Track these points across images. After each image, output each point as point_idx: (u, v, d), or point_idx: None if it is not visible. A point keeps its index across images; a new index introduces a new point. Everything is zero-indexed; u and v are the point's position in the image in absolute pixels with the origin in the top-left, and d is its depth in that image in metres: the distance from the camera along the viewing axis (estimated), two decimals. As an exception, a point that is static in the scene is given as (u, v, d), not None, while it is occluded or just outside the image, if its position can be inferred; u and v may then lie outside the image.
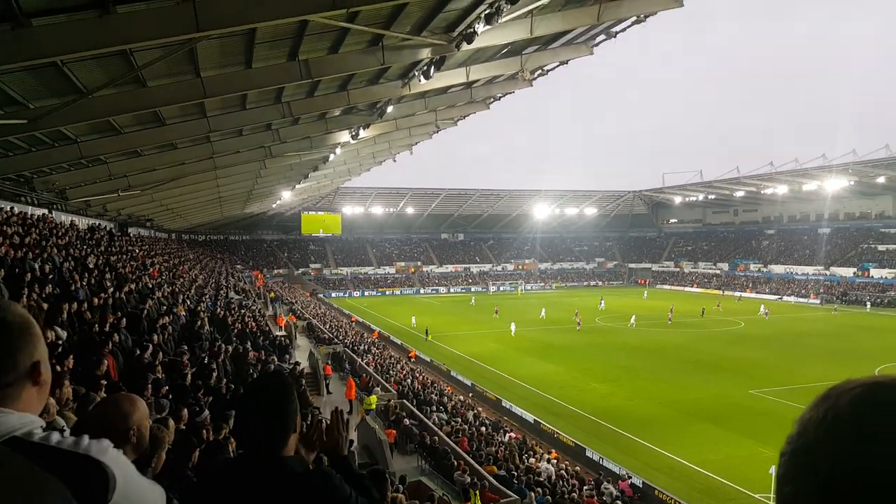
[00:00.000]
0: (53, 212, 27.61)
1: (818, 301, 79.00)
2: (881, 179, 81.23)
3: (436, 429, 23.27)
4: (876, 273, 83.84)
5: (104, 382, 7.33)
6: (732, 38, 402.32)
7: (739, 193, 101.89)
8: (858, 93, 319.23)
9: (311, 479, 2.30)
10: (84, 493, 1.45)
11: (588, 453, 24.35)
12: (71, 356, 7.73)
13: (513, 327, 54.88)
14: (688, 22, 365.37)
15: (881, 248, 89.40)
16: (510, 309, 70.09)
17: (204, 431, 6.69)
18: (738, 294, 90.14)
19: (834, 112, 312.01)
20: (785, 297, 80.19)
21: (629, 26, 21.08)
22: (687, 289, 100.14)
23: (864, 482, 0.77)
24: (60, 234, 21.67)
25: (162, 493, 1.92)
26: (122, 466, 1.62)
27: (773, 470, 20.66)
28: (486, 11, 14.98)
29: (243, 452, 2.40)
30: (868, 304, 71.08)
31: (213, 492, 2.39)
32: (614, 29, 21.69)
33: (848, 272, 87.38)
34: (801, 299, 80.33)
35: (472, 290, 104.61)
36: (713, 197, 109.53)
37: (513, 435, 26.30)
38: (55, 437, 1.54)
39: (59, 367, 6.64)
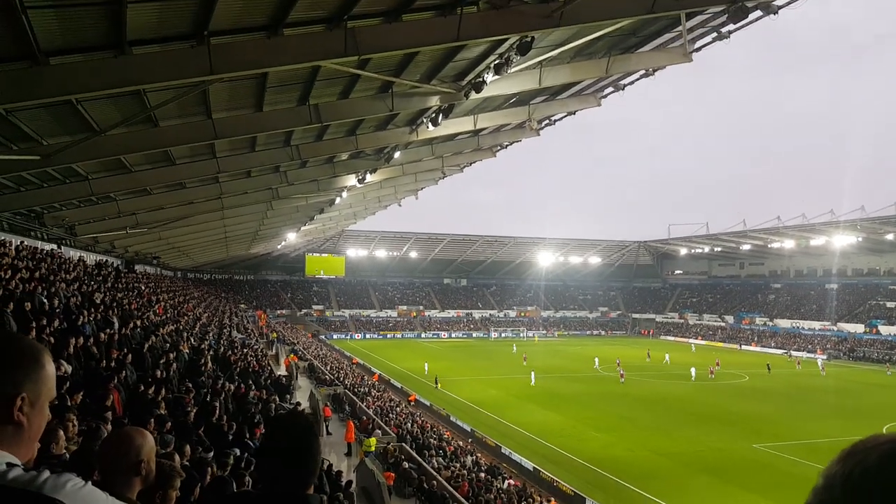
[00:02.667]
0: (62, 247, 27.83)
1: (825, 356, 78.34)
2: (889, 236, 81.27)
3: (434, 473, 23.02)
4: (884, 330, 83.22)
5: (110, 415, 7.37)
6: (740, 91, 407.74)
7: (746, 247, 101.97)
8: (867, 149, 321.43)
9: None
10: None
11: (588, 503, 23.95)
12: (80, 391, 7.77)
13: (532, 377, 53.63)
14: (696, 74, 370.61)
15: (889, 304, 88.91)
16: (531, 356, 69.01)
17: (208, 468, 6.71)
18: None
19: (841, 169, 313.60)
20: (793, 353, 79.40)
21: (638, 79, 21.41)
22: (691, 340, 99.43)
23: None
24: (69, 268, 21.83)
25: None
26: (86, 500, 1.51)
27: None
28: (496, 62, 15.29)
29: (267, 488, 2.39)
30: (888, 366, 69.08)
31: None
32: (622, 82, 22.00)
33: (856, 328, 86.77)
34: (810, 355, 79.57)
35: (474, 335, 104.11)
36: (719, 249, 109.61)
37: (512, 482, 25.94)
38: (13, 473, 1.46)
39: (68, 402, 6.69)
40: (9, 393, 1.51)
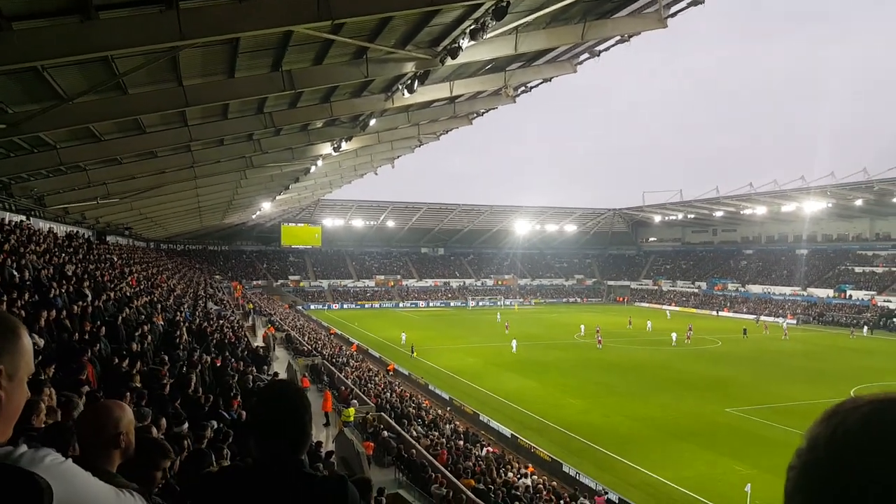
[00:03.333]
0: (31, 218, 27.28)
1: (794, 321, 79.89)
2: (858, 202, 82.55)
3: (413, 442, 23.22)
4: (853, 294, 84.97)
5: (86, 389, 7.27)
6: (713, 60, 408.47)
7: (719, 213, 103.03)
8: (837, 116, 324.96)
9: (332, 483, 2.35)
10: None
11: (565, 468, 24.36)
12: (53, 364, 7.65)
13: (514, 345, 53.82)
14: (670, 42, 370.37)
15: (858, 269, 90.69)
16: (513, 324, 69.33)
17: (185, 441, 6.66)
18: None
19: (813, 135, 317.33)
20: (762, 318, 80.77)
21: (613, 45, 21.33)
22: (665, 307, 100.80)
23: (873, 495, 0.82)
24: (39, 240, 21.42)
25: (135, 500, 1.80)
26: (65, 477, 1.45)
27: (748, 487, 20.85)
28: (471, 27, 15.11)
29: (261, 458, 2.35)
30: (866, 328, 70.38)
31: (231, 497, 2.39)
32: (598, 48, 21.91)
33: (825, 293, 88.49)
34: (778, 319, 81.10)
35: (452, 304, 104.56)
36: (693, 216, 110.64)
37: (490, 449, 26.26)
38: None
39: (42, 375, 6.58)
40: None
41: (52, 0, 10.19)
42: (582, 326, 66.82)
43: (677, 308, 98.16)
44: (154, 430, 6.36)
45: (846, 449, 0.86)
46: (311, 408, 2.44)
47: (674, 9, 18.80)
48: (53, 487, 1.38)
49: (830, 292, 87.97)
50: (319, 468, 13.15)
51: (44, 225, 28.51)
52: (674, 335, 59.40)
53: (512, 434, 28.82)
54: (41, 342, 9.53)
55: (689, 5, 18.36)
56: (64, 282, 15.19)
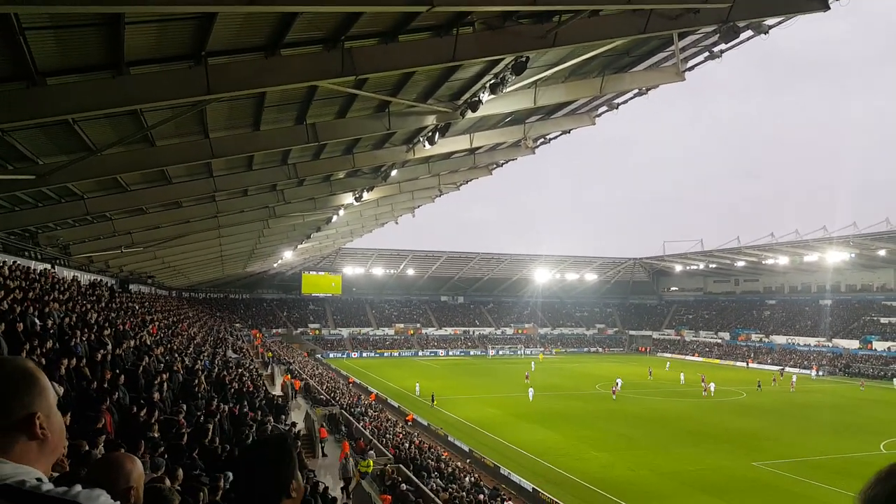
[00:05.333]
0: (56, 267, 27.70)
1: (819, 373, 78.33)
2: (882, 252, 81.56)
3: (432, 495, 22.78)
4: (879, 345, 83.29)
5: (103, 438, 7.26)
6: (735, 110, 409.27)
7: (740, 263, 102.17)
8: (859, 167, 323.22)
9: None
10: None
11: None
12: (69, 412, 7.67)
13: (531, 393, 53.62)
14: (689, 93, 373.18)
15: (884, 320, 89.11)
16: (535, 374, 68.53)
17: (200, 493, 6.59)
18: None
19: (834, 186, 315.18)
20: (788, 368, 79.23)
21: (631, 98, 21.56)
22: (688, 357, 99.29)
23: None
24: (62, 289, 21.70)
25: None
26: None
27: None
28: (492, 81, 15.37)
29: None
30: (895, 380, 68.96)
31: None
32: (616, 101, 22.17)
33: (851, 344, 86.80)
34: (805, 371, 79.53)
35: (471, 353, 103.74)
36: (714, 266, 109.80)
37: (511, 503, 25.71)
38: (45, 486, 1.56)
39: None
40: (25, 414, 1.61)
41: (85, 56, 10.52)
42: (618, 380, 60.14)
43: (701, 359, 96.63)
44: (167, 480, 6.33)
45: None
46: (294, 460, 2.43)
47: (691, 63, 19.03)
48: None
49: (856, 343, 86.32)
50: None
51: (68, 273, 28.93)
52: (712, 385, 59.04)
53: (533, 488, 28.21)
54: (61, 390, 9.56)
55: (706, 59, 18.56)
56: (85, 330, 15.31)
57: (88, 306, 20.76)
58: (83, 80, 10.98)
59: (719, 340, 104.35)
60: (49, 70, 10.45)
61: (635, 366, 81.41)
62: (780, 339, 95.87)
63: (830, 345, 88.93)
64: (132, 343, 17.48)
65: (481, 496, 25.09)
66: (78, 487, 1.59)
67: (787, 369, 78.41)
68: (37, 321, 13.46)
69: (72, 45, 10.07)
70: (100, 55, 10.51)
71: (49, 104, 10.80)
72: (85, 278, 30.61)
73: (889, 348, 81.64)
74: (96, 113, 12.05)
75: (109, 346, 14.90)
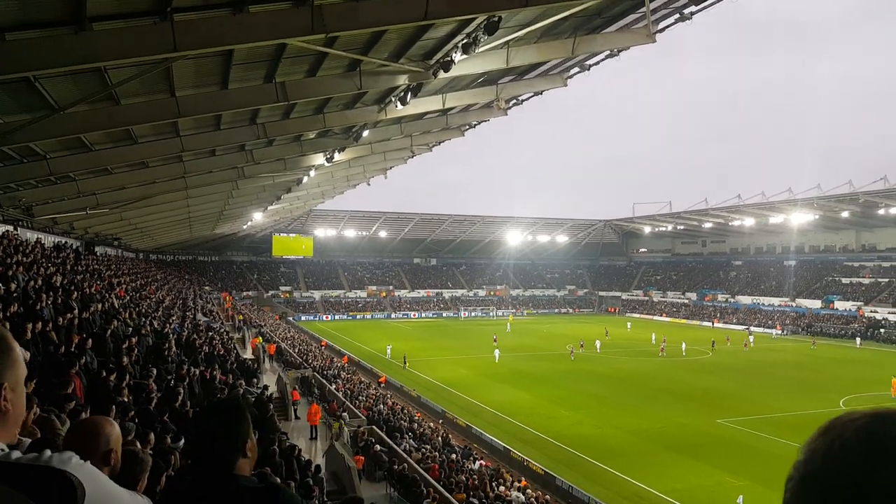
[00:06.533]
0: (19, 229, 27.06)
1: (782, 332, 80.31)
2: (845, 214, 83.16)
3: (405, 456, 23.06)
4: (840, 305, 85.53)
5: (72, 403, 7.16)
6: (703, 73, 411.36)
7: (708, 225, 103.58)
8: (825, 130, 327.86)
9: (261, 492, 2.37)
10: None
11: (557, 482, 24.27)
12: (37, 378, 7.55)
13: (496, 354, 54.28)
14: (660, 56, 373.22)
15: (845, 280, 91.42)
16: (504, 335, 69.21)
17: (172, 457, 6.55)
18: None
19: (800, 148, 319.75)
20: (752, 328, 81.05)
21: (603, 60, 21.47)
22: (656, 318, 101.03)
23: (872, 502, 0.86)
24: (26, 251, 21.23)
25: (145, 502, 1.95)
26: (91, 476, 1.58)
27: (740, 499, 20.86)
28: (464, 41, 15.16)
29: (196, 471, 2.47)
30: (858, 339, 70.40)
31: None
32: (588, 62, 22.08)
33: (813, 304, 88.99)
34: (768, 330, 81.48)
35: (444, 315, 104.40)
36: (682, 228, 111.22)
37: (483, 463, 26.13)
38: (14, 454, 1.54)
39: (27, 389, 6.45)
40: None
41: (45, 11, 10.12)
42: (597, 342, 63.02)
43: (668, 319, 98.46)
44: (138, 444, 6.27)
45: (844, 460, 0.90)
46: (248, 421, 2.47)
47: (662, 24, 19.05)
48: (84, 484, 1.53)
49: (818, 303, 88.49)
50: (309, 483, 13.04)
51: (31, 235, 28.30)
52: (683, 344, 60.61)
53: (505, 447, 28.71)
54: (27, 355, 9.37)
55: (676, 21, 18.54)
56: (51, 293, 15.03)
57: (53, 269, 20.35)
58: (43, 35, 10.57)
59: (686, 301, 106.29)
60: (7, 25, 10.03)
61: (606, 326, 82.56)
62: (745, 300, 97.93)
63: (794, 305, 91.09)
64: (99, 307, 17.21)
65: (454, 455, 25.47)
66: (48, 452, 1.56)
67: (751, 328, 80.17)
68: (0, 284, 13.16)
69: (31, -2, 9.67)
70: (61, 10, 10.11)
71: (8, 61, 10.42)
72: (49, 240, 29.98)
73: (848, 308, 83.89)
74: (58, 70, 11.66)
75: (76, 310, 14.65)
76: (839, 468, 0.90)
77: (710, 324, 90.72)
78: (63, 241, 31.59)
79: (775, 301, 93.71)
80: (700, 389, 42.40)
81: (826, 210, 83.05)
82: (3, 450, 1.55)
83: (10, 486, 1.43)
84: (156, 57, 11.72)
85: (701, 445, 29.55)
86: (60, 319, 12.72)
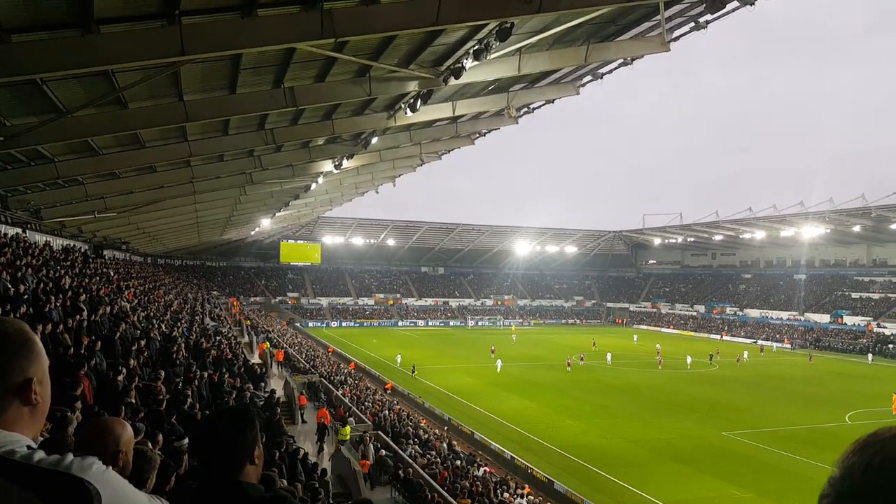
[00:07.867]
0: (27, 231, 27.18)
1: (790, 346, 79.80)
2: (856, 228, 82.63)
3: (410, 461, 22.97)
4: (849, 320, 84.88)
5: (80, 405, 7.14)
6: (715, 85, 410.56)
7: (718, 237, 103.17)
8: (837, 143, 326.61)
9: (266, 503, 2.35)
10: None
11: (561, 489, 24.08)
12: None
13: (499, 364, 54.02)
14: (673, 66, 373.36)
15: (854, 295, 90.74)
16: (506, 346, 68.97)
17: (183, 456, 6.53)
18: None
19: (813, 161, 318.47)
20: (760, 342, 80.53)
21: (616, 68, 21.39)
22: (663, 329, 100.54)
23: None
24: (34, 253, 21.30)
25: None
26: (110, 483, 1.56)
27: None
28: (475, 47, 15.13)
29: (202, 476, 2.45)
30: (870, 356, 68.94)
31: None
32: (601, 70, 21.98)
33: (822, 318, 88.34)
34: (777, 343, 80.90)
35: (451, 324, 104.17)
36: (692, 240, 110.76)
37: (487, 469, 26.00)
38: (37, 455, 1.52)
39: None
40: (23, 379, 1.59)
41: (52, 13, 10.15)
42: (609, 354, 61.92)
43: (676, 331, 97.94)
44: (149, 444, 6.23)
45: (883, 477, 0.87)
46: (258, 429, 2.44)
47: (676, 33, 18.89)
48: (101, 493, 1.50)
49: (827, 318, 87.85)
50: (315, 486, 12.96)
51: (40, 238, 28.42)
52: (689, 358, 59.72)
53: (510, 455, 28.55)
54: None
55: (691, 30, 18.43)
56: (60, 295, 15.05)
57: (62, 272, 20.41)
58: (50, 38, 10.61)
59: (694, 313, 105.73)
60: (14, 27, 10.07)
61: (612, 337, 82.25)
62: (753, 313, 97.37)
63: (802, 319, 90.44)
64: (108, 309, 17.24)
65: (458, 462, 25.35)
66: (70, 456, 1.55)
67: (759, 342, 79.62)
68: (9, 286, 13.19)
69: (38, 0, 9.69)
70: (68, 12, 10.14)
71: (14, 63, 10.43)
72: (57, 243, 30.11)
73: (857, 323, 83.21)
74: (65, 73, 11.68)
75: (85, 312, 14.66)
76: (881, 485, 0.87)
77: (717, 336, 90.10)
78: (71, 245, 31.73)
79: (784, 315, 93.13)
80: (706, 402, 42.10)
81: (837, 224, 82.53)
82: (29, 447, 1.55)
83: (26, 489, 1.43)
84: (164, 60, 11.73)
85: (706, 457, 29.31)
86: (70, 321, 12.73)
